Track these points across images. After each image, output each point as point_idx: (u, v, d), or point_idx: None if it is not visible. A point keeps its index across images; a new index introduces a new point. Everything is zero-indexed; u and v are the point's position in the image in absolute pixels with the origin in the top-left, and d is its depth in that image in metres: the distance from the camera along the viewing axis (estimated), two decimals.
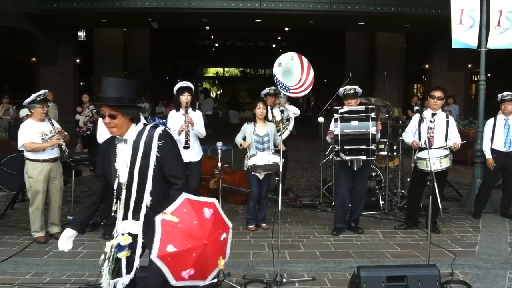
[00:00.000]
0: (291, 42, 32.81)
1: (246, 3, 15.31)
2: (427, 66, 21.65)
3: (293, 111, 8.05)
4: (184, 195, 3.05)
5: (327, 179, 8.68)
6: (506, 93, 7.45)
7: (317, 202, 8.35)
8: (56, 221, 6.34)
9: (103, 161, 3.39)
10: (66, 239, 3.35)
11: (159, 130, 3.25)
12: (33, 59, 19.72)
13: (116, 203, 3.33)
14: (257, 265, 5.42)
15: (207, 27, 25.93)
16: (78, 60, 20.69)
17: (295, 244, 6.21)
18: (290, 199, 8.26)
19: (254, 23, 19.15)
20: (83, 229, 3.48)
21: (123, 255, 3.19)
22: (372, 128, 6.12)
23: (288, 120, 7.93)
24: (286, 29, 26.26)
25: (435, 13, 14.99)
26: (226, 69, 45.02)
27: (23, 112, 10.39)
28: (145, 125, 3.31)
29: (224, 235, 3.16)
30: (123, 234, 3.23)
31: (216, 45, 38.55)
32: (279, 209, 4.97)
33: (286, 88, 7.60)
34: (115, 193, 3.31)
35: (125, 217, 3.30)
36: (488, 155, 7.48)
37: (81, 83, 22.01)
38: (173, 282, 2.96)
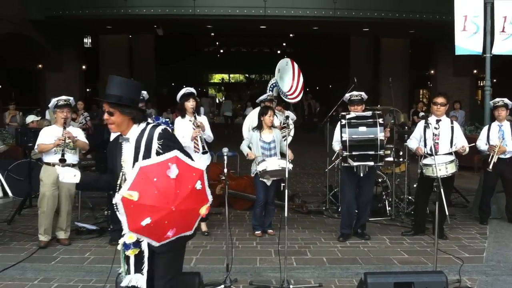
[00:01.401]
0: (295, 48, 32.93)
1: (250, 10, 15.38)
2: (432, 71, 21.66)
3: (290, 117, 8.05)
4: (139, 164, 3.02)
5: (333, 185, 8.67)
6: (497, 99, 7.50)
7: (324, 208, 8.34)
8: (63, 227, 6.36)
9: (111, 158, 3.45)
10: (67, 171, 3.39)
11: (159, 129, 3.26)
12: (39, 65, 19.84)
13: None
14: (264, 271, 5.42)
15: (212, 34, 26.03)
16: (83, 66, 20.80)
17: (302, 250, 6.20)
18: (296, 205, 8.26)
19: (259, 29, 19.24)
20: (83, 183, 3.40)
21: (130, 253, 3.23)
22: (380, 133, 6.12)
23: (288, 126, 7.91)
24: (291, 35, 26.35)
25: (439, 19, 15.03)
26: (231, 75, 45.14)
27: (30, 118, 10.44)
28: (147, 124, 3.33)
29: (198, 183, 3.05)
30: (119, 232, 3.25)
31: (221, 51, 38.70)
32: (286, 215, 4.96)
33: (285, 94, 7.65)
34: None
35: None
36: (485, 147, 7.43)
37: (87, 89, 22.08)
38: (156, 244, 3.05)
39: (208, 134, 6.72)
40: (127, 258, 3.28)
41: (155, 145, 3.21)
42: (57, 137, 6.15)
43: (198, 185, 3.03)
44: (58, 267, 5.50)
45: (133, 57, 25.70)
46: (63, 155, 6.13)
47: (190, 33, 26.84)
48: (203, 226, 6.83)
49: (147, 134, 3.25)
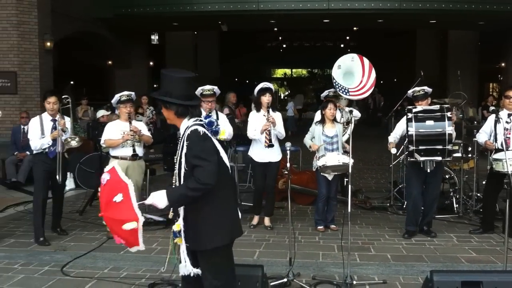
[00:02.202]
0: (359, 42, 32.47)
1: (314, 4, 15.28)
2: (503, 64, 20.79)
3: (354, 114, 7.92)
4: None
5: (397, 181, 8.52)
6: None
7: (388, 204, 8.21)
8: None
9: None
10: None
11: (188, 131, 3.21)
12: (109, 62, 20.55)
13: None
14: (326, 266, 5.41)
15: (275, 29, 26.08)
16: (151, 63, 21.33)
17: (365, 247, 6.14)
18: (359, 201, 8.18)
19: (322, 23, 19.08)
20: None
21: (178, 241, 3.31)
22: (448, 128, 5.96)
23: (348, 123, 7.80)
24: (355, 28, 25.98)
25: (511, 10, 14.37)
26: (293, 70, 45.03)
27: (100, 113, 10.88)
28: (195, 121, 3.28)
29: (119, 196, 3.04)
30: (176, 221, 3.32)
31: (284, 46, 38.71)
32: (349, 210, 4.93)
33: (346, 91, 7.49)
34: None
35: None
36: None
37: (155, 85, 22.72)
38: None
39: (279, 131, 6.76)
40: (177, 247, 3.35)
41: (184, 146, 3.20)
42: (124, 132, 6.35)
43: (118, 198, 3.05)
44: (127, 257, 5.68)
45: (198, 53, 26.16)
46: (134, 150, 6.35)
47: (254, 28, 26.99)
48: (267, 221, 6.90)
49: (187, 131, 3.23)
